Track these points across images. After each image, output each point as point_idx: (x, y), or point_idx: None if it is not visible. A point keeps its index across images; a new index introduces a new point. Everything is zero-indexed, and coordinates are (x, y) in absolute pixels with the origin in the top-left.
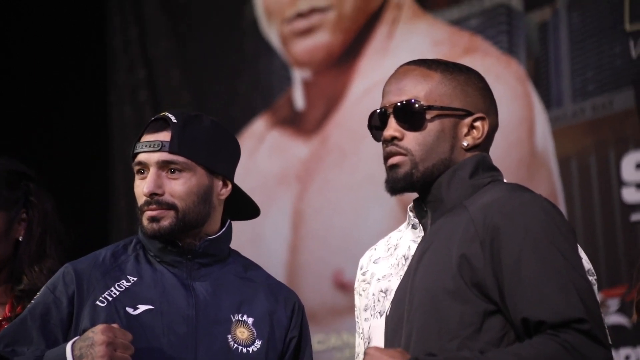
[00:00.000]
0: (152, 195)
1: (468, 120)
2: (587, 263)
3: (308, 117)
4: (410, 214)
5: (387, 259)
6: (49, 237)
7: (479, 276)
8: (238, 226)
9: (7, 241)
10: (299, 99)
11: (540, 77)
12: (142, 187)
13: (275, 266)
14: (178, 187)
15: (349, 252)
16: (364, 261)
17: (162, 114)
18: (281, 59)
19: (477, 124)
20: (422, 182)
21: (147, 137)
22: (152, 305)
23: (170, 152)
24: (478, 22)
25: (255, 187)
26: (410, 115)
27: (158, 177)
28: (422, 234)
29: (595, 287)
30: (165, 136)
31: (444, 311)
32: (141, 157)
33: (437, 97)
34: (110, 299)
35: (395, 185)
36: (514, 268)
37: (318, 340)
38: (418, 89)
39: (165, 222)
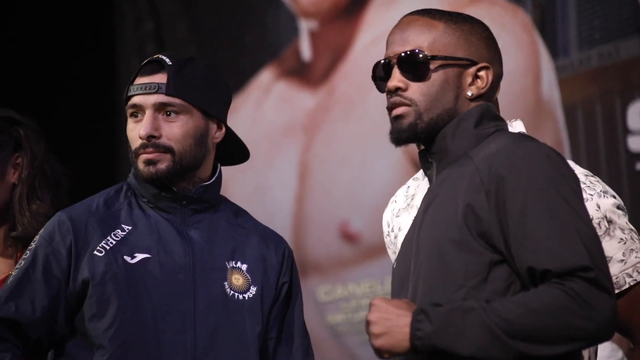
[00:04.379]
0: (149, 137)
1: (472, 69)
2: (617, 199)
3: (315, 68)
4: None
5: (406, 211)
6: (38, 181)
7: (485, 226)
8: (244, 177)
9: (2, 185)
10: (305, 49)
11: (547, 25)
12: (137, 130)
13: (281, 217)
14: (175, 129)
15: (355, 203)
16: (387, 216)
17: (155, 56)
18: (288, 9)
19: (481, 73)
20: (426, 132)
21: (142, 80)
22: (149, 254)
23: (167, 94)
24: None
25: (262, 138)
26: (414, 66)
27: (155, 119)
28: None
29: (627, 217)
30: (161, 78)
31: (449, 262)
32: (136, 99)
33: (441, 46)
34: (107, 248)
35: (400, 136)
36: (519, 217)
37: (324, 291)
38: (422, 39)
39: (162, 165)
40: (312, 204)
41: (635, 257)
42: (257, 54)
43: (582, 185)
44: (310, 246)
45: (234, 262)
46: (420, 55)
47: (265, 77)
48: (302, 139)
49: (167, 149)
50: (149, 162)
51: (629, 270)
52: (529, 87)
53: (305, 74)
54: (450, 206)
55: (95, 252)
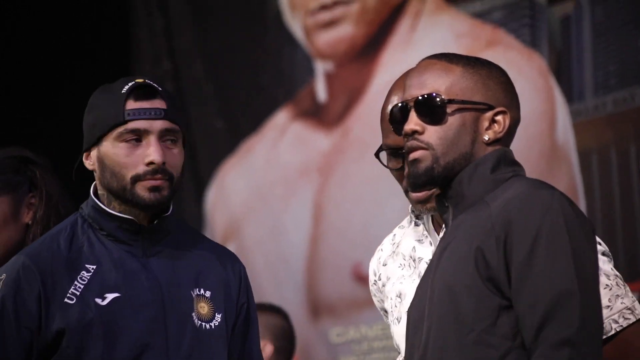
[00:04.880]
0: (161, 164)
1: (489, 114)
2: (602, 246)
3: (330, 109)
4: (411, 213)
5: (392, 259)
6: (53, 221)
7: (494, 272)
8: (259, 218)
9: (15, 225)
10: (321, 91)
11: (562, 70)
12: (136, 155)
13: (295, 259)
14: (177, 157)
15: (369, 246)
16: (374, 264)
17: (141, 80)
18: (304, 51)
19: (499, 118)
20: (443, 176)
21: (142, 104)
22: (119, 292)
23: (170, 120)
24: (501, 15)
25: (277, 180)
26: (432, 109)
27: (160, 146)
28: (425, 232)
29: (612, 264)
30: (160, 104)
31: (460, 306)
32: (140, 124)
33: (459, 91)
34: (77, 293)
35: (416, 180)
36: (522, 266)
37: (337, 333)
38: (439, 83)
39: (165, 192)
40: (326, 246)
41: (621, 303)
42: (273, 94)
43: None
44: (324, 288)
45: (198, 289)
46: (438, 99)
47: (281, 117)
48: (317, 180)
49: (170, 177)
50: (155, 189)
51: (615, 317)
52: (544, 132)
53: (321, 116)
54: (464, 251)
55: (67, 300)
